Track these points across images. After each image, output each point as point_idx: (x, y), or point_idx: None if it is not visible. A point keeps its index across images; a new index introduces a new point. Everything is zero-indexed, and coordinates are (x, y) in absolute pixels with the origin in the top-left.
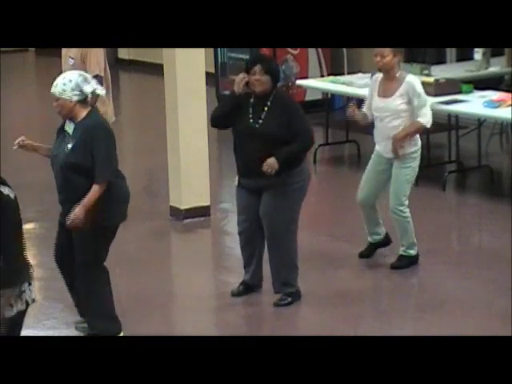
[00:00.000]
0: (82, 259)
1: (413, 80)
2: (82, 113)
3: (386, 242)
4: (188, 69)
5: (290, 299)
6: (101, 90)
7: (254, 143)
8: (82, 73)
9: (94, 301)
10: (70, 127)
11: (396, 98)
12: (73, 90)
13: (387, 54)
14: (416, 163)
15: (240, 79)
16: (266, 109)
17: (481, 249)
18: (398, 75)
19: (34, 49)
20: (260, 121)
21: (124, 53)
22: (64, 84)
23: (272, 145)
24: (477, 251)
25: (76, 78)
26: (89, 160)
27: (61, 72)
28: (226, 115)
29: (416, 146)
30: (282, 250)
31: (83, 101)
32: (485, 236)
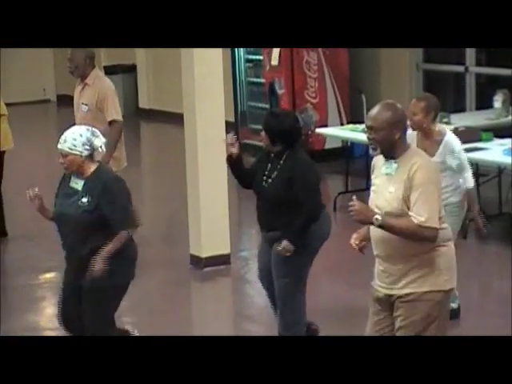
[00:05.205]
0: (92, 327)
1: (451, 138)
2: (91, 168)
3: (455, 314)
4: (208, 118)
5: None
6: (104, 147)
7: (262, 200)
8: (90, 127)
9: None
10: (77, 183)
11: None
12: (83, 144)
13: (418, 112)
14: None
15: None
16: (278, 168)
17: (501, 296)
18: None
19: (55, 100)
20: (270, 180)
21: (144, 102)
22: (74, 139)
23: (277, 204)
24: (497, 298)
25: (85, 132)
26: (105, 216)
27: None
28: (239, 179)
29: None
30: (281, 305)
31: (91, 156)
32: (505, 283)
